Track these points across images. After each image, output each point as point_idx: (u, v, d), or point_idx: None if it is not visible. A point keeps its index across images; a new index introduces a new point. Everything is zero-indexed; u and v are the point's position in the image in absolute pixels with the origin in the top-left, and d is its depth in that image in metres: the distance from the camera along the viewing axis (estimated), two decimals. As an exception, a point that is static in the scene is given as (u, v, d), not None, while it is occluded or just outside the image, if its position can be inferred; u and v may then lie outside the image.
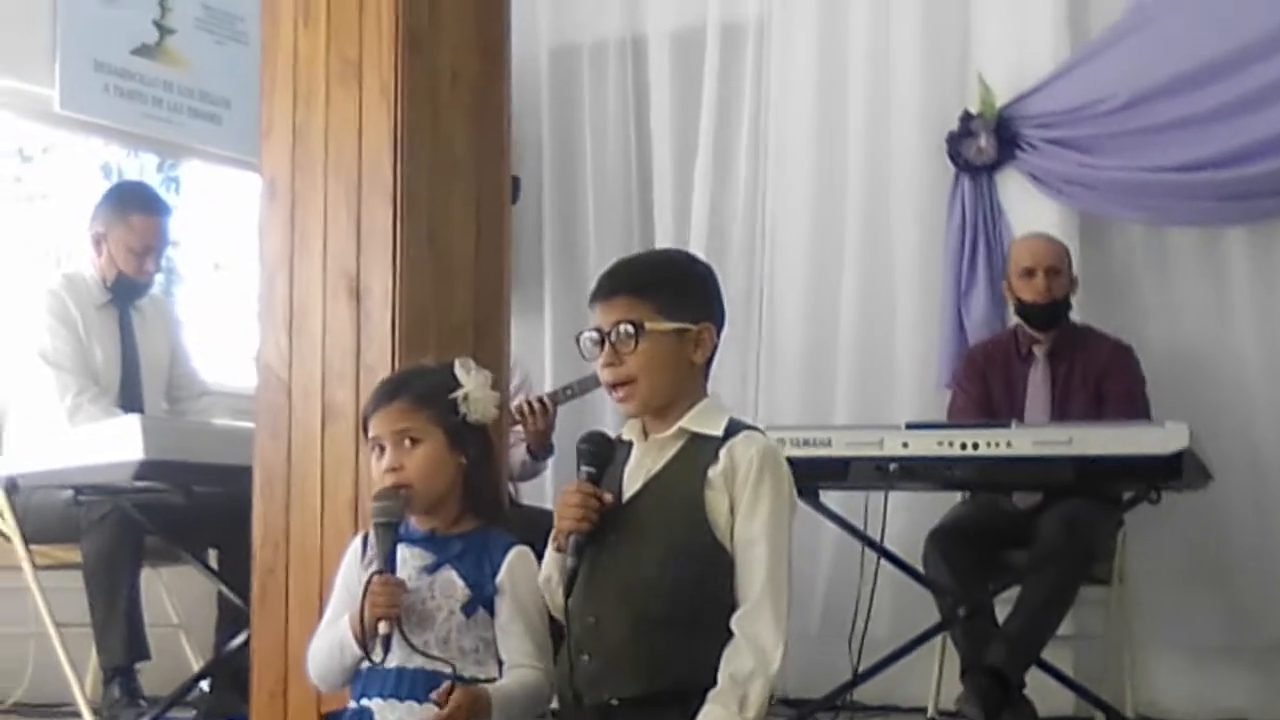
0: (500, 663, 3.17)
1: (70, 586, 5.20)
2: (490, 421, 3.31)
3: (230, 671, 5.01)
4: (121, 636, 5.05)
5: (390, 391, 3.26)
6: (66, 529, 5.13)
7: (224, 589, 5.20)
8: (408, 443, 3.20)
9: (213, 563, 5.36)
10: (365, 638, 3.12)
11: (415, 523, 3.24)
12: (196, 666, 5.58)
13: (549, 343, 7.40)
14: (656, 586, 3.02)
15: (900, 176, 6.71)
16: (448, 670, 3.11)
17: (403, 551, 3.19)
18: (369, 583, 3.12)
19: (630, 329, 3.07)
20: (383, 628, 3.10)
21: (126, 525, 5.04)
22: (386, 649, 3.12)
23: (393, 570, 3.14)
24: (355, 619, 3.13)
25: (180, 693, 5.17)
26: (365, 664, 3.15)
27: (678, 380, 3.12)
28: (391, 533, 3.16)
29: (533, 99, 7.45)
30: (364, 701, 3.15)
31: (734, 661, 2.95)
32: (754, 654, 2.94)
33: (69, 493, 5.04)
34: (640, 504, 3.09)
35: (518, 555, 3.22)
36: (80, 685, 5.22)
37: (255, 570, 3.94)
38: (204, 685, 5.30)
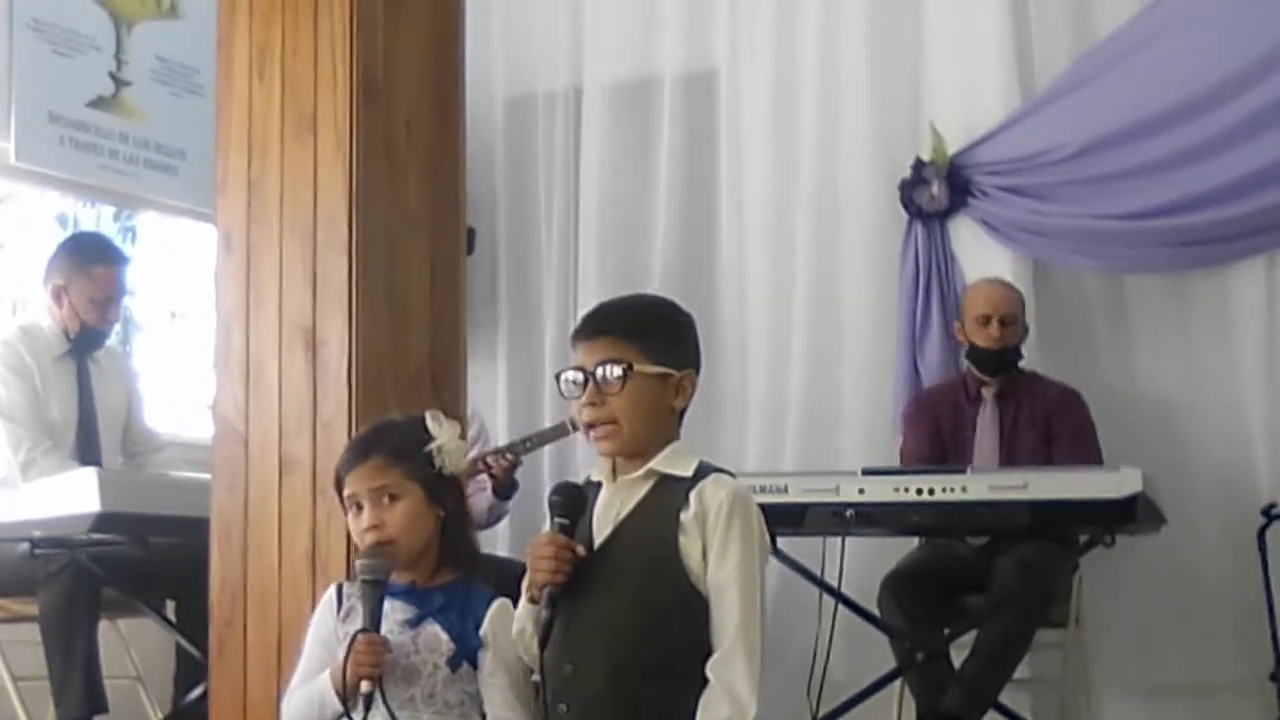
0: (484, 716, 3.18)
1: (27, 639, 5.18)
2: (461, 472, 3.31)
3: (189, 723, 5.00)
4: (79, 689, 5.02)
5: (364, 449, 3.26)
6: (23, 582, 5.10)
7: (182, 641, 5.19)
8: (386, 499, 3.20)
9: (171, 615, 5.34)
10: (345, 695, 3.12)
11: (395, 576, 3.24)
12: (155, 719, 5.55)
13: (503, 392, 7.39)
14: (632, 633, 3.02)
15: (853, 224, 6.73)
16: None
17: (385, 605, 3.19)
18: (353, 640, 3.11)
19: (618, 370, 3.06)
20: (365, 686, 3.10)
21: (83, 577, 5.02)
22: (368, 708, 3.11)
23: (377, 629, 3.14)
24: (337, 675, 3.13)
25: (139, 745, 5.15)
26: None
27: (658, 425, 3.12)
28: (378, 590, 3.16)
29: (487, 149, 7.46)
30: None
31: (710, 709, 2.95)
32: (729, 700, 2.94)
33: (25, 545, 5.02)
34: (613, 549, 3.09)
35: (499, 608, 3.22)
36: (38, 739, 5.21)
37: (213, 622, 3.94)
38: (162, 738, 5.29)
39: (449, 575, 3.27)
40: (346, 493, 3.24)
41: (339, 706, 3.12)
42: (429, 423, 3.27)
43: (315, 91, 3.90)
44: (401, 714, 3.11)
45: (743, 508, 3.06)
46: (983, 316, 5.91)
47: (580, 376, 3.10)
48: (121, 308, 5.80)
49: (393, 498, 3.20)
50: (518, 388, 7.33)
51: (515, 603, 3.20)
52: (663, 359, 3.11)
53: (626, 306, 3.35)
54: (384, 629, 3.16)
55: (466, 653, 3.17)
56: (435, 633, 3.18)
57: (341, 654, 3.15)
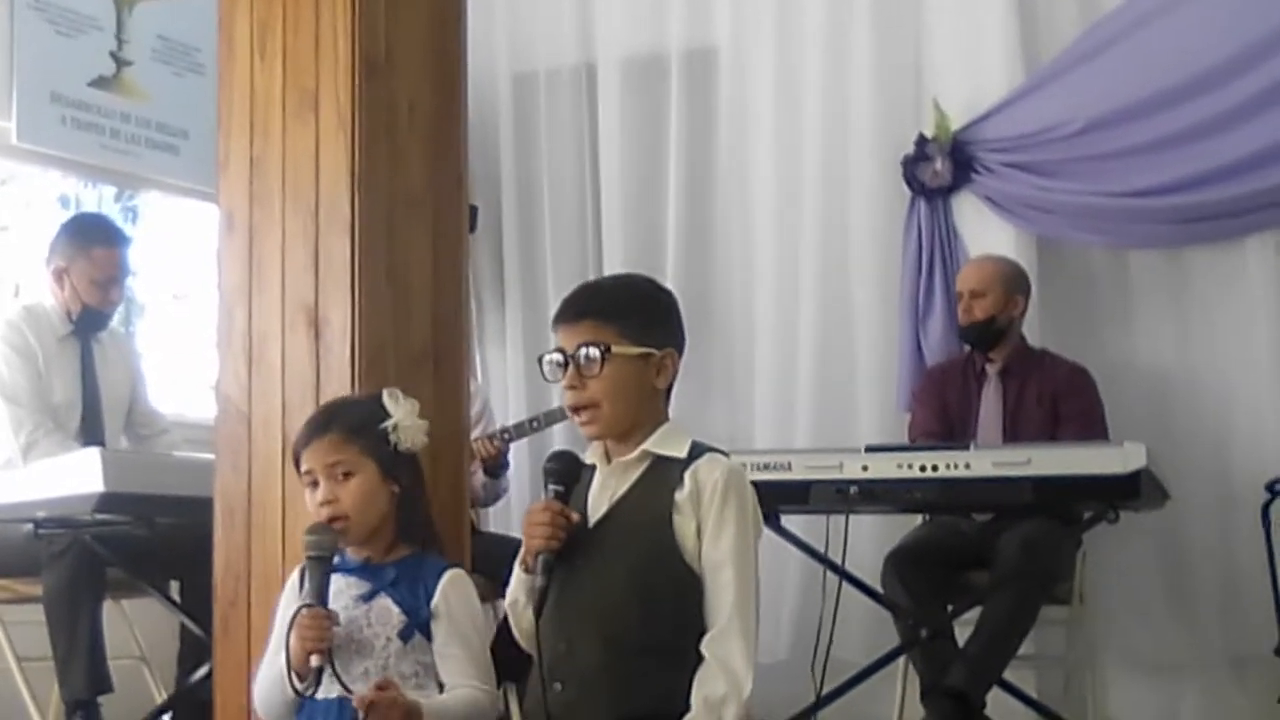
0: (441, 686, 3.19)
1: (31, 620, 5.18)
2: (420, 449, 3.33)
3: (193, 704, 4.98)
4: (84, 670, 5.03)
5: (320, 425, 3.28)
6: (27, 562, 5.11)
7: (186, 621, 5.20)
8: (341, 475, 3.22)
9: (175, 594, 5.35)
10: (290, 670, 3.14)
11: (350, 552, 3.27)
12: (160, 699, 5.55)
13: (511, 371, 7.39)
14: (627, 611, 3.03)
15: (857, 201, 6.73)
16: None
17: (338, 581, 3.22)
18: (295, 615, 3.13)
19: (596, 352, 3.08)
20: (314, 660, 3.12)
21: (87, 558, 5.03)
22: (318, 682, 3.13)
23: (324, 604, 3.15)
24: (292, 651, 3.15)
25: (144, 726, 5.16)
26: (307, 695, 3.16)
27: (640, 405, 3.13)
28: (324, 566, 3.18)
29: (492, 126, 7.46)
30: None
31: (706, 685, 2.96)
32: (726, 677, 2.96)
33: (29, 526, 5.02)
34: (607, 528, 3.10)
35: (451, 579, 3.24)
36: (43, 719, 5.20)
37: (217, 602, 3.94)
38: (167, 718, 5.28)
39: (404, 550, 3.29)
40: (303, 469, 3.27)
41: (298, 683, 3.14)
42: (385, 400, 3.31)
43: (317, 70, 3.89)
44: (356, 687, 3.14)
45: (737, 486, 3.08)
46: (957, 294, 5.95)
47: (561, 359, 3.12)
48: (124, 289, 5.80)
49: (347, 474, 3.23)
50: (526, 365, 7.32)
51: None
52: (642, 339, 3.12)
53: (604, 288, 3.38)
54: (339, 605, 3.18)
55: (418, 624, 3.20)
56: (386, 606, 3.21)
57: (284, 631, 3.17)
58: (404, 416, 3.29)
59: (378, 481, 3.25)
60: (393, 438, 3.27)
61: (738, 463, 3.16)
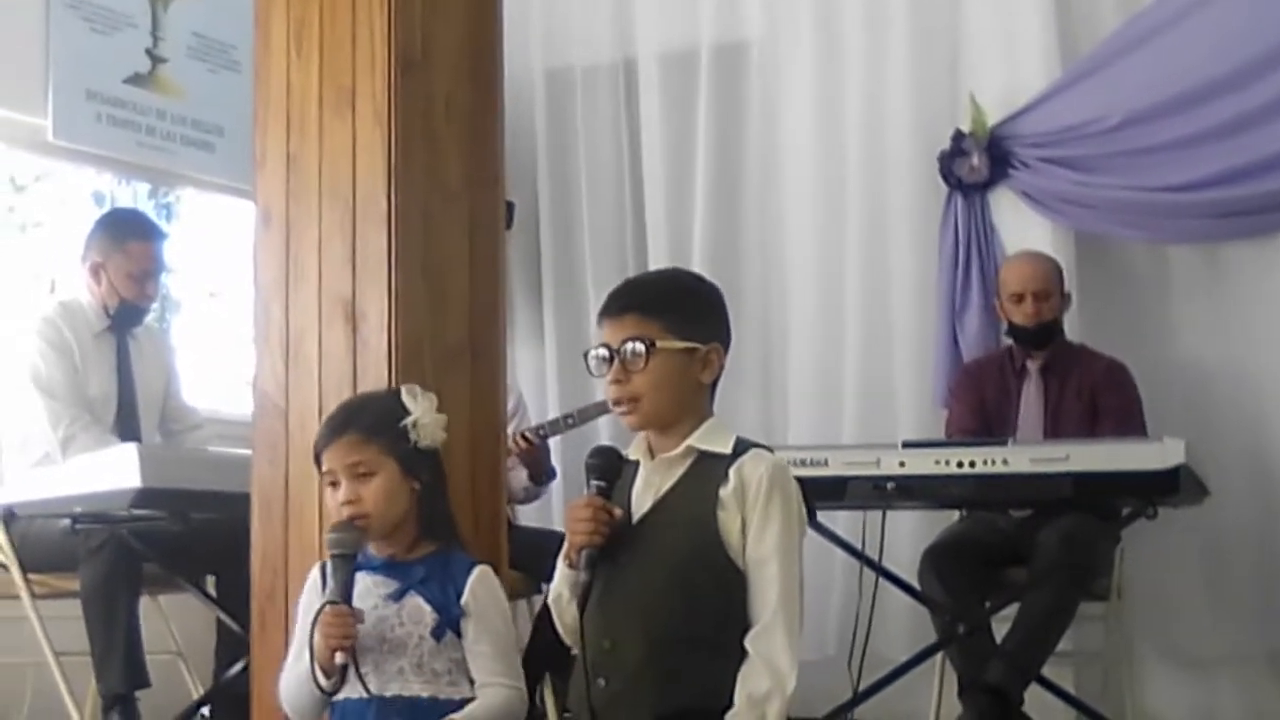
0: (472, 682, 3.19)
1: (69, 615, 5.19)
2: (439, 445, 3.32)
3: (230, 698, 4.99)
4: (121, 665, 5.04)
5: (339, 425, 3.28)
6: (64, 558, 5.13)
7: (223, 615, 5.21)
8: (362, 475, 3.22)
9: (211, 590, 5.35)
10: (314, 668, 3.14)
11: (372, 549, 3.26)
12: (196, 694, 5.56)
13: (551, 368, 7.40)
14: (671, 608, 3.02)
15: (894, 196, 6.72)
16: (424, 696, 3.12)
17: (364, 580, 3.21)
18: (319, 613, 3.12)
19: (641, 347, 3.07)
20: (339, 658, 3.11)
21: (124, 553, 5.04)
22: (344, 680, 3.13)
23: (349, 602, 3.15)
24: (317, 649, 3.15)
25: (181, 720, 5.17)
26: (342, 695, 3.16)
27: (684, 400, 3.12)
28: (348, 564, 3.18)
29: (527, 122, 7.46)
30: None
31: (750, 681, 2.95)
32: (770, 673, 2.95)
33: (66, 522, 5.04)
34: (652, 524, 3.09)
35: (480, 575, 3.24)
36: (80, 714, 5.22)
37: (254, 597, 3.95)
38: (204, 712, 5.29)
39: (428, 547, 3.29)
40: (324, 469, 3.26)
41: (324, 680, 3.14)
42: (404, 397, 3.30)
43: (353, 66, 3.89)
44: (392, 685, 3.15)
45: (782, 482, 3.06)
46: (1015, 295, 5.89)
47: (606, 353, 3.11)
48: (160, 284, 5.81)
49: (368, 474, 3.22)
50: (564, 362, 7.33)
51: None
52: (687, 334, 3.11)
53: (650, 282, 3.36)
54: (366, 604, 3.18)
55: (449, 622, 3.20)
56: (418, 604, 3.20)
57: (308, 627, 3.17)
58: (423, 413, 3.28)
59: (399, 479, 3.24)
60: (412, 435, 3.26)
61: (782, 459, 3.14)
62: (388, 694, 3.15)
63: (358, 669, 3.13)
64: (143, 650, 5.14)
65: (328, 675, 3.15)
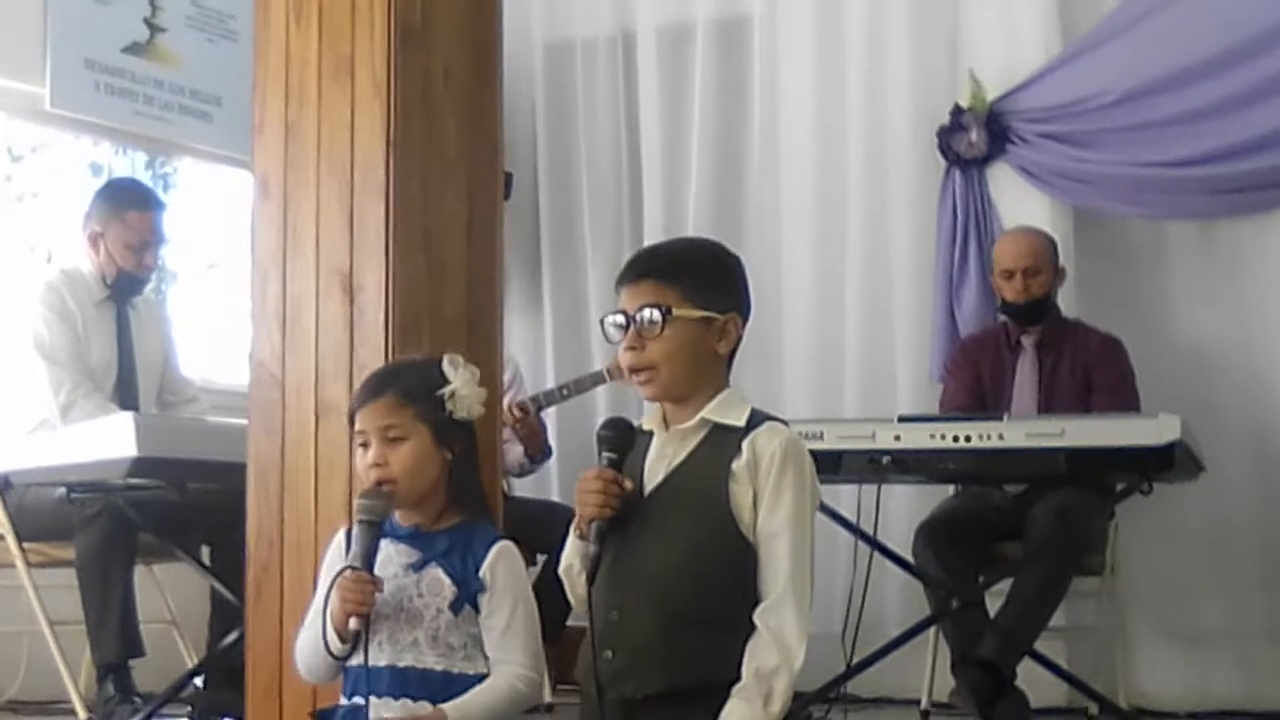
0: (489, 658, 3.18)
1: (64, 584, 5.21)
2: (476, 418, 3.29)
3: (224, 668, 5.00)
4: (115, 633, 5.05)
5: (377, 386, 3.24)
6: (60, 526, 5.13)
7: (217, 585, 5.21)
8: (392, 439, 3.19)
9: (206, 559, 5.36)
10: (325, 633, 3.12)
11: (399, 518, 3.23)
12: (191, 663, 5.58)
13: (549, 340, 7.41)
14: (680, 580, 2.98)
15: (893, 171, 6.72)
16: (438, 669, 3.11)
17: (387, 548, 3.18)
18: (337, 576, 3.11)
19: (657, 314, 3.02)
20: (353, 624, 3.09)
21: (120, 522, 5.04)
22: (355, 646, 3.11)
23: (370, 569, 3.13)
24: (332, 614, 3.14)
25: (174, 689, 5.16)
26: (354, 661, 3.15)
27: (700, 369, 3.07)
28: (374, 531, 3.14)
29: (527, 95, 7.46)
30: (356, 699, 3.14)
31: (758, 656, 2.92)
32: (778, 648, 2.91)
33: (62, 490, 5.05)
34: (663, 495, 3.05)
35: (500, 551, 3.19)
36: (74, 682, 5.23)
37: (249, 566, 3.95)
38: (198, 682, 5.30)
39: (455, 518, 3.24)
40: (357, 429, 3.23)
41: (338, 644, 3.13)
42: (446, 366, 3.25)
43: (353, 35, 3.88)
44: (405, 656, 3.11)
45: (796, 456, 3.02)
46: (1006, 271, 5.89)
47: (622, 320, 3.07)
48: (159, 255, 5.80)
49: (399, 438, 3.18)
50: (562, 334, 7.34)
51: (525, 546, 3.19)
52: (704, 302, 3.06)
53: (669, 250, 3.31)
54: (388, 572, 3.15)
55: (468, 596, 3.15)
56: (438, 576, 3.16)
57: (325, 590, 3.16)
58: (462, 384, 3.24)
59: (430, 448, 3.20)
60: (449, 405, 3.23)
61: (796, 433, 3.12)
62: (400, 664, 3.12)
63: (366, 638, 3.11)
64: (137, 619, 5.16)
65: (341, 640, 3.14)
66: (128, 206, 5.61)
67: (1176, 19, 6.17)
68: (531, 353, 7.38)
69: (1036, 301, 5.85)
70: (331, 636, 3.12)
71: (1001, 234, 6.26)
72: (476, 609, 3.14)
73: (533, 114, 7.54)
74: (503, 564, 3.16)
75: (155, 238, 5.67)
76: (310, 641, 3.21)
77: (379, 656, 3.12)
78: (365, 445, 3.20)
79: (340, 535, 3.27)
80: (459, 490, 3.24)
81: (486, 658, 3.15)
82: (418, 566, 3.16)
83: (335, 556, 3.24)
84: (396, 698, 3.11)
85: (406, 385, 3.22)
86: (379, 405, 3.19)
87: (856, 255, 6.75)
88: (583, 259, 7.36)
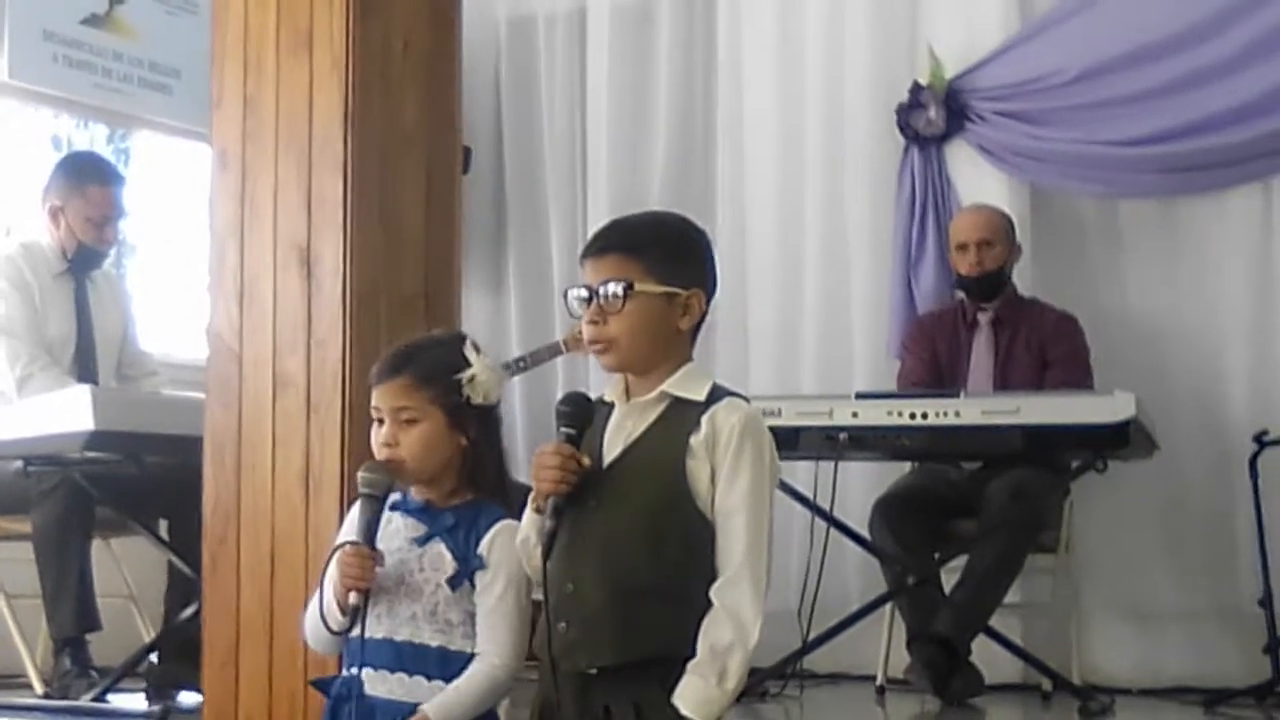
0: None
1: (20, 557, 5.20)
2: (493, 404, 3.26)
3: (181, 641, 5.00)
4: (72, 607, 5.05)
5: (395, 365, 3.20)
6: (16, 500, 5.12)
7: (174, 559, 5.21)
8: (405, 421, 3.17)
9: (163, 533, 5.35)
10: (323, 605, 3.12)
11: (414, 492, 3.22)
12: (148, 637, 5.57)
13: (513, 313, 7.41)
14: (634, 555, 2.96)
15: (851, 149, 6.73)
16: (434, 645, 3.11)
17: (398, 520, 3.16)
18: (336, 549, 3.11)
19: (619, 289, 2.98)
20: (353, 598, 3.08)
21: (77, 496, 5.04)
22: (354, 620, 3.10)
23: (372, 543, 3.12)
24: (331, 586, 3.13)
25: (131, 663, 5.16)
26: (354, 633, 3.14)
27: (661, 344, 3.04)
28: (375, 505, 3.13)
29: (490, 69, 7.46)
30: (353, 671, 3.14)
31: (713, 632, 2.89)
32: (733, 625, 2.89)
33: (18, 463, 5.03)
34: (620, 469, 3.02)
35: (499, 530, 3.17)
36: (31, 656, 5.23)
37: (206, 540, 3.94)
38: (154, 656, 5.30)
39: (466, 496, 3.24)
40: (373, 404, 3.21)
41: (337, 616, 3.12)
42: (467, 350, 3.23)
43: (311, 8, 3.87)
44: (403, 630, 3.10)
45: (755, 433, 2.99)
46: (960, 245, 5.93)
47: (585, 294, 3.05)
48: (119, 229, 5.80)
49: (412, 420, 3.17)
50: (527, 310, 7.34)
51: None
52: (668, 278, 3.03)
53: (634, 223, 3.28)
54: (393, 545, 3.14)
55: (467, 572, 3.15)
56: (440, 551, 3.15)
57: (326, 563, 3.16)
58: (482, 370, 3.22)
59: (442, 432, 3.17)
60: (466, 389, 3.21)
61: (756, 409, 3.11)
62: (398, 638, 3.12)
63: (364, 612, 3.10)
64: (94, 593, 5.16)
65: (342, 613, 3.13)
66: (88, 180, 5.59)
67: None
68: (495, 326, 7.37)
69: (990, 275, 5.88)
70: (331, 609, 3.12)
71: (956, 215, 6.27)
72: (474, 585, 3.14)
73: (496, 88, 7.53)
74: (500, 542, 3.14)
75: (115, 212, 5.66)
76: (314, 614, 3.20)
77: (377, 629, 3.11)
78: (380, 421, 3.18)
79: (355, 508, 3.24)
80: (473, 473, 3.22)
81: None
82: (422, 541, 3.15)
83: (348, 529, 3.23)
84: (393, 671, 3.10)
85: (424, 366, 3.18)
86: (394, 385, 3.16)
87: (815, 232, 6.76)
88: (546, 233, 7.36)
